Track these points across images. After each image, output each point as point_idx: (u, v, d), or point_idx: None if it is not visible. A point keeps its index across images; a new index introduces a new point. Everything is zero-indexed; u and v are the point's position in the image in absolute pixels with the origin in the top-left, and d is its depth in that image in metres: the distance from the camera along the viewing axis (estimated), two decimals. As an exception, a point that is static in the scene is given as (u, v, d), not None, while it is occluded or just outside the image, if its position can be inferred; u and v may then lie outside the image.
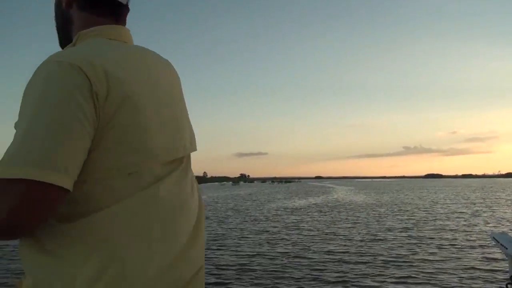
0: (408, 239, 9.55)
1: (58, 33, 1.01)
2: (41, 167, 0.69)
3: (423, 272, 6.38)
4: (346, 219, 14.08)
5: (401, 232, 10.75)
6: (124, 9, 1.01)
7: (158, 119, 0.88)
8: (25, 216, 0.70)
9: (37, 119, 0.73)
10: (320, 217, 15.09)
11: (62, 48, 1.01)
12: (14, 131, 0.75)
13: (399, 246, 8.63)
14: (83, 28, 0.95)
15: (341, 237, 9.93)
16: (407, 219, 13.95)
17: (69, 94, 0.74)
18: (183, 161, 0.95)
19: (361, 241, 9.35)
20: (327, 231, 11.02)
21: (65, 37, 1.00)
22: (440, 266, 6.79)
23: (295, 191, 45.63)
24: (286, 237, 10.15)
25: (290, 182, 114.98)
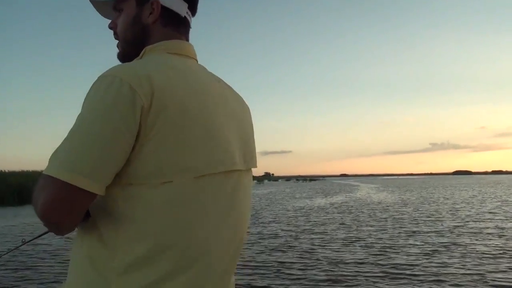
0: (436, 245, 8.86)
1: (130, 45, 1.06)
2: (72, 171, 0.79)
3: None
4: (368, 220, 13.57)
5: (428, 236, 9.82)
6: (189, 25, 1.11)
7: (201, 132, 0.91)
8: (53, 210, 0.80)
9: (81, 126, 0.82)
10: (340, 217, 14.73)
11: (123, 59, 1.08)
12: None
13: (425, 254, 7.74)
14: (154, 43, 1.03)
15: (360, 242, 9.10)
16: (435, 220, 13.17)
17: (115, 107, 0.82)
18: (233, 176, 0.97)
19: (383, 247, 8.65)
20: (344, 234, 10.50)
21: (136, 50, 1.04)
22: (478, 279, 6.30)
23: (318, 189, 45.25)
24: (301, 239, 9.81)
25: (314, 180, 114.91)
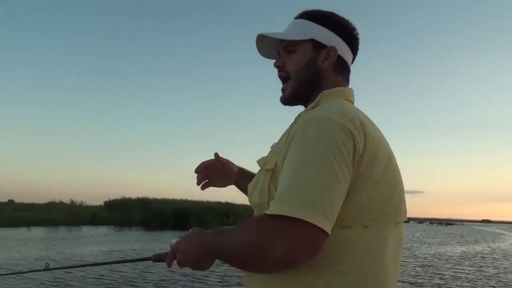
0: None
1: (302, 85, 1.11)
2: (316, 212, 0.78)
3: None
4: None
5: None
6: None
7: (392, 179, 0.97)
8: (298, 255, 0.79)
9: (310, 166, 0.83)
10: (478, 272, 13.16)
11: (293, 100, 1.14)
12: None
13: None
14: (327, 88, 1.08)
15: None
16: None
17: (338, 150, 0.84)
18: (400, 226, 1.02)
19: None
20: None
21: (306, 92, 1.11)
22: None
23: (454, 235, 41.12)
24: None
25: (450, 224, 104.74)
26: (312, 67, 1.10)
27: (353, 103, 1.11)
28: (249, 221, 0.89)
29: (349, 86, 1.15)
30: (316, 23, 1.12)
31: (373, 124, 1.02)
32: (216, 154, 1.42)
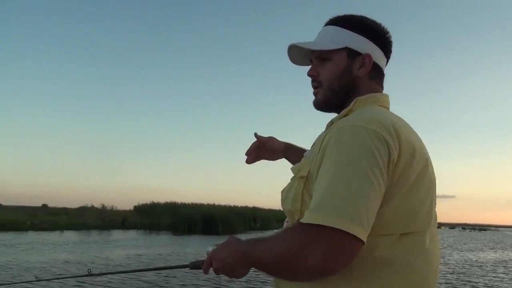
0: None
1: (336, 94, 1.10)
2: (352, 221, 0.79)
3: None
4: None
5: None
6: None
7: (427, 185, 0.96)
8: (334, 264, 0.80)
9: (345, 175, 0.83)
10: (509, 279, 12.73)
11: (324, 107, 1.13)
12: None
13: None
14: (361, 95, 1.07)
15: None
16: None
17: (374, 158, 0.84)
18: (435, 233, 1.01)
19: None
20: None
21: (340, 100, 1.09)
22: None
23: (489, 241, 39.81)
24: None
25: (484, 230, 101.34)
26: (347, 76, 1.08)
27: (388, 109, 1.10)
28: (285, 230, 0.89)
29: (384, 91, 1.14)
30: (348, 29, 1.10)
31: (408, 128, 1.00)
32: (256, 134, 1.48)
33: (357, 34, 1.09)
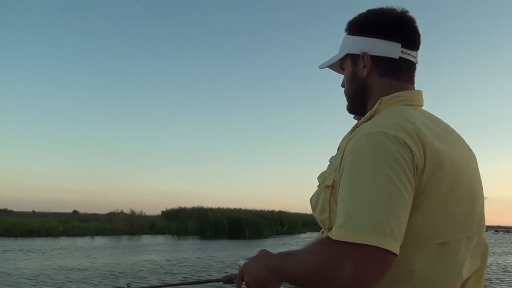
0: None
1: (354, 100, 1.10)
2: (384, 235, 0.76)
3: None
4: None
5: None
6: (409, 66, 1.04)
7: (466, 192, 0.92)
8: (367, 279, 0.77)
9: (370, 185, 0.80)
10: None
11: (352, 112, 1.12)
12: None
13: None
14: (383, 94, 1.01)
15: None
16: None
17: (397, 164, 0.81)
18: (474, 243, 0.96)
19: None
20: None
21: (360, 104, 1.08)
22: None
23: (524, 244, 38.39)
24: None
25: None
26: (356, 80, 1.07)
27: (421, 106, 1.04)
28: (317, 244, 0.88)
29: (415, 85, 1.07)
30: (348, 34, 1.09)
31: (440, 131, 0.94)
32: None
33: (352, 36, 1.07)
